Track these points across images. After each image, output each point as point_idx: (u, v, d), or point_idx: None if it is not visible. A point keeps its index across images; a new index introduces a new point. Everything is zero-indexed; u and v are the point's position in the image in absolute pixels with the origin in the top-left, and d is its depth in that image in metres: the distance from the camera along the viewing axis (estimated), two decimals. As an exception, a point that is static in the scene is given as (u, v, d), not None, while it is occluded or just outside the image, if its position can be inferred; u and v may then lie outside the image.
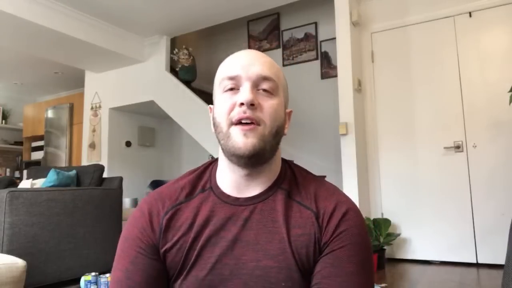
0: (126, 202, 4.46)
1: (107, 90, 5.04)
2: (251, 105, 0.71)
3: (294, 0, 4.00)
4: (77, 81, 5.92)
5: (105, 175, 3.48)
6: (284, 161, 0.83)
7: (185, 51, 4.71)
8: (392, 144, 3.53)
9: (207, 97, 4.83)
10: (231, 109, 0.72)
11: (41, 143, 6.33)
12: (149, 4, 3.88)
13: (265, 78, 0.74)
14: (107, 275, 2.49)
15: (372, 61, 3.68)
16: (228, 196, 0.77)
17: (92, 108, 5.15)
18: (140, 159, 5.28)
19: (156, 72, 4.64)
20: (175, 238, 0.75)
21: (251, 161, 0.72)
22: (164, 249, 0.75)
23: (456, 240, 3.20)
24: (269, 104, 0.73)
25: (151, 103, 4.62)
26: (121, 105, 4.90)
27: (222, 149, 0.75)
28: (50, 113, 6.04)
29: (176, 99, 4.45)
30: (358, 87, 3.52)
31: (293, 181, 0.79)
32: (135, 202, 4.62)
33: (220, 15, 4.24)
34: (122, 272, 0.75)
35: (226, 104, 0.73)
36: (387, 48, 3.63)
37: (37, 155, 6.48)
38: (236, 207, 0.75)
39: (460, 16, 3.35)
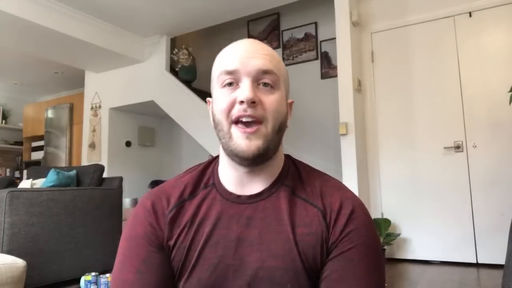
0: (126, 202, 4.46)
1: (107, 90, 5.04)
2: (252, 103, 0.68)
3: (294, 0, 4.00)
4: (77, 81, 5.92)
5: (105, 175, 3.48)
6: (286, 156, 0.80)
7: (185, 51, 4.71)
8: (392, 144, 3.53)
9: (207, 97, 4.82)
10: (231, 106, 0.69)
11: (41, 143, 6.33)
12: (149, 4, 3.88)
13: (265, 72, 0.70)
14: (107, 275, 2.49)
15: (372, 61, 3.68)
16: (231, 193, 0.74)
17: (92, 108, 5.14)
18: (140, 159, 5.28)
19: (156, 72, 4.64)
20: (176, 236, 0.72)
21: (254, 163, 0.71)
22: (168, 246, 0.72)
23: (456, 240, 3.20)
24: (270, 100, 0.70)
25: (151, 103, 4.62)
26: (121, 105, 4.90)
27: (223, 147, 0.73)
28: (50, 113, 6.04)
29: (176, 99, 4.45)
30: (358, 87, 3.52)
31: (296, 177, 0.77)
32: (135, 202, 4.62)
33: (220, 15, 4.24)
34: (133, 273, 0.70)
35: (225, 100, 0.70)
36: (387, 48, 3.63)
37: (37, 155, 6.48)
38: (239, 205, 0.73)
39: (460, 16, 3.35)
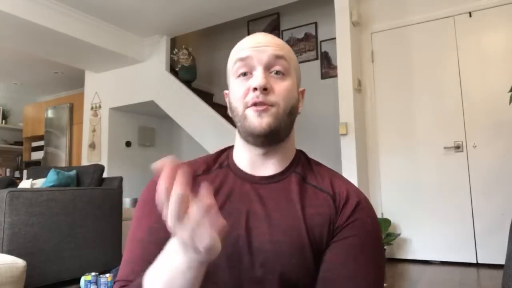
0: (126, 202, 4.46)
1: (107, 90, 5.04)
2: (264, 90, 0.72)
3: (294, 0, 4.00)
4: (77, 81, 5.92)
5: (105, 175, 3.48)
6: (298, 150, 0.85)
7: (185, 51, 4.71)
8: (392, 144, 3.53)
9: (207, 97, 4.83)
10: (246, 94, 0.74)
11: (41, 143, 6.33)
12: (149, 4, 3.88)
13: (277, 57, 0.75)
14: (107, 275, 2.49)
15: (372, 61, 3.68)
16: (245, 173, 0.78)
17: (92, 108, 5.14)
18: (140, 159, 5.28)
19: (156, 72, 4.64)
20: None
21: (267, 139, 0.74)
22: None
23: (456, 240, 3.20)
24: (281, 86, 0.75)
25: (151, 103, 4.62)
26: (121, 105, 4.90)
27: (239, 130, 0.77)
28: (50, 113, 6.04)
29: (176, 99, 4.45)
30: (358, 87, 3.52)
31: (307, 167, 0.81)
32: (135, 202, 4.62)
33: (220, 15, 4.24)
34: (144, 231, 0.74)
35: (240, 89, 0.75)
36: (387, 48, 3.63)
37: (37, 155, 6.48)
38: (252, 184, 0.77)
39: (460, 16, 3.35)
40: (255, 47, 0.75)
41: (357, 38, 3.64)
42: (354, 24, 3.56)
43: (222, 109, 4.72)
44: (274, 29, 4.91)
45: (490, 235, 3.07)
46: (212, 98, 5.12)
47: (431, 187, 3.33)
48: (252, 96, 0.73)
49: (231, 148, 0.85)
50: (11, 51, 4.84)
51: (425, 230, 3.31)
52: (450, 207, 3.24)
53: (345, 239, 0.71)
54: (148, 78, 4.68)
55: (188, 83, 4.65)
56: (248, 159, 0.79)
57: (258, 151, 0.77)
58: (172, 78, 4.52)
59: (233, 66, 0.78)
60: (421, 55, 3.47)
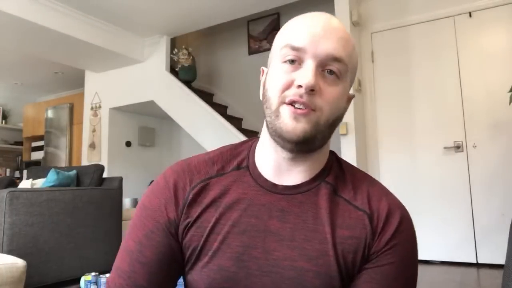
0: (126, 202, 4.46)
1: (107, 90, 5.04)
2: (311, 91, 0.60)
3: (294, 0, 4.00)
4: (77, 81, 5.92)
5: (105, 175, 3.48)
6: (331, 152, 0.72)
7: (185, 51, 4.71)
8: (392, 144, 3.53)
9: (207, 97, 4.83)
10: (287, 87, 0.61)
11: (41, 143, 6.33)
12: (149, 4, 3.88)
13: (335, 59, 0.62)
14: (107, 275, 2.49)
15: (372, 61, 3.68)
16: (266, 180, 0.67)
17: (92, 108, 5.14)
18: (140, 159, 5.28)
19: (156, 72, 4.63)
20: (197, 214, 0.66)
21: (297, 148, 0.63)
22: (184, 224, 0.66)
23: (456, 240, 3.20)
24: (331, 92, 0.62)
25: (151, 103, 4.62)
26: (121, 105, 4.90)
27: (267, 125, 0.65)
28: (50, 113, 6.04)
29: (176, 99, 4.45)
30: (358, 87, 3.52)
31: (340, 176, 0.69)
32: (135, 202, 4.62)
33: (220, 15, 4.24)
34: (135, 243, 0.67)
35: (282, 78, 0.62)
36: (387, 48, 3.63)
37: (37, 155, 6.48)
38: (273, 194, 0.66)
39: (460, 16, 3.35)
40: (314, 36, 0.61)
41: (357, 38, 3.64)
42: (354, 24, 3.56)
43: (222, 109, 4.72)
44: (274, 29, 4.91)
45: (490, 235, 3.07)
46: (212, 98, 5.13)
47: (431, 187, 3.33)
48: (293, 93, 0.60)
49: (254, 141, 0.73)
50: (11, 51, 4.83)
51: (425, 230, 3.31)
52: (450, 207, 3.24)
53: (381, 267, 0.62)
54: (148, 78, 4.67)
55: (188, 83, 4.65)
56: (272, 163, 0.67)
57: (285, 154, 0.65)
58: (172, 78, 4.52)
59: (280, 49, 0.64)
60: (421, 55, 3.47)
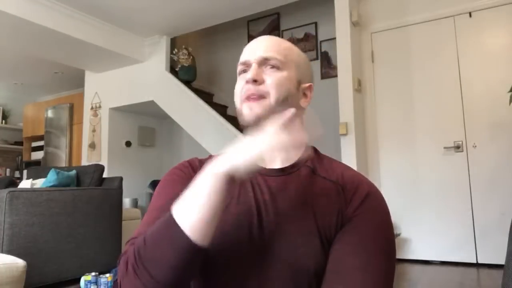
0: (126, 202, 4.46)
1: (107, 90, 5.04)
2: (254, 81, 0.76)
3: (294, 0, 4.00)
4: (77, 81, 5.92)
5: (105, 175, 3.48)
6: (310, 146, 0.86)
7: (185, 51, 4.71)
8: (392, 144, 3.53)
9: (207, 97, 4.83)
10: (241, 89, 0.79)
11: (41, 143, 6.33)
12: (149, 4, 3.88)
13: (269, 58, 0.78)
14: (107, 275, 2.49)
15: (372, 61, 3.68)
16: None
17: (92, 108, 5.15)
18: (140, 159, 5.28)
19: (156, 72, 4.64)
20: None
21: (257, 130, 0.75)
22: None
23: (456, 240, 3.20)
24: (273, 77, 0.77)
25: (151, 103, 4.62)
26: (121, 105, 4.90)
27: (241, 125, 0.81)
28: (50, 113, 6.04)
29: (176, 99, 4.45)
30: (358, 87, 3.52)
31: (318, 161, 0.82)
32: (135, 202, 4.62)
33: (220, 15, 4.24)
34: (165, 200, 0.75)
35: (239, 85, 0.80)
36: (387, 48, 3.63)
37: (37, 155, 6.48)
38: (263, 176, 0.78)
39: (460, 16, 3.35)
40: (252, 50, 0.80)
41: (357, 38, 3.64)
42: (354, 24, 3.56)
43: (222, 109, 4.72)
44: (274, 29, 4.91)
45: (490, 235, 3.07)
46: (212, 98, 5.12)
47: (431, 187, 3.33)
48: (245, 89, 0.77)
49: None
50: (11, 51, 4.83)
51: (425, 230, 3.31)
52: (450, 207, 3.24)
53: (355, 228, 0.70)
54: (148, 78, 4.68)
55: (188, 83, 4.65)
56: None
57: None
58: (172, 78, 4.52)
59: (238, 67, 0.83)
60: (421, 55, 3.47)
